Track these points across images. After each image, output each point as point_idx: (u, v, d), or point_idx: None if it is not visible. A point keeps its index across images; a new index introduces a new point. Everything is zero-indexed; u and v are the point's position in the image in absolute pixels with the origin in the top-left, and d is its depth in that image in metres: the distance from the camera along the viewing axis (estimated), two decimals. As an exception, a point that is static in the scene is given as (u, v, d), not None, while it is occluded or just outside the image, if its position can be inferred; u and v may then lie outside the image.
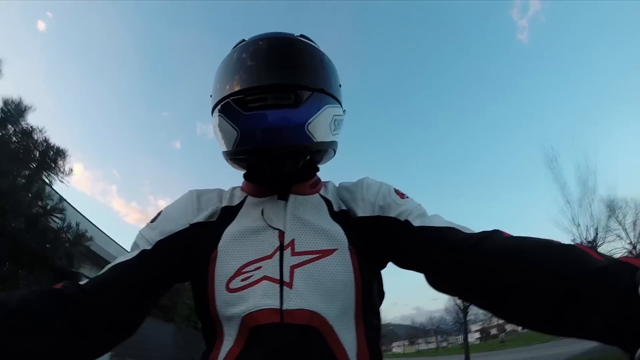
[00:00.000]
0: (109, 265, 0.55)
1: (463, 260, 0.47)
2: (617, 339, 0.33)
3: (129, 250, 0.60)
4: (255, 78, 0.56)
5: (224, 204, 0.64)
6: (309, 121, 0.54)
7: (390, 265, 0.63)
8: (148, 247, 0.58)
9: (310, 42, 0.63)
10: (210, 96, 0.63)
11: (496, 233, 0.48)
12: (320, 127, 0.56)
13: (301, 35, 0.64)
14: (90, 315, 0.47)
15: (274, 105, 0.54)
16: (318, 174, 0.69)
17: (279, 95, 0.55)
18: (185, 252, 0.59)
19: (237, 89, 0.56)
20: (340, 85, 0.64)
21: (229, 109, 0.56)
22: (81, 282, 0.51)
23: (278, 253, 0.54)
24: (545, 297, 0.39)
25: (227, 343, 0.51)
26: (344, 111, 0.64)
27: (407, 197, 0.62)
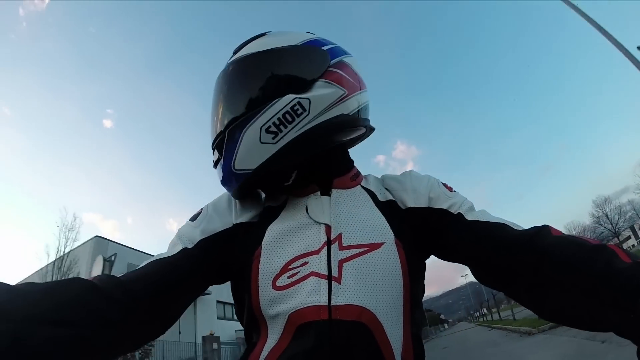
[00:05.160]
0: (149, 260, 0.54)
1: (515, 257, 0.48)
2: (632, 333, 0.37)
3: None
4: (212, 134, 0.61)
5: (266, 204, 0.63)
6: (234, 158, 0.56)
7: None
8: (190, 246, 0.56)
9: (258, 51, 0.58)
10: None
11: (544, 230, 0.49)
12: (246, 153, 0.54)
13: (263, 35, 0.61)
14: (120, 307, 0.45)
15: (216, 162, 0.60)
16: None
17: (220, 145, 0.58)
18: (227, 252, 0.58)
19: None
20: (296, 76, 0.56)
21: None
22: (119, 275, 0.49)
23: (325, 248, 0.52)
24: (577, 293, 0.42)
25: (271, 341, 0.50)
26: (296, 100, 0.54)
27: (455, 191, 0.62)
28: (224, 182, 0.58)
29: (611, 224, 33.68)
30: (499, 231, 0.52)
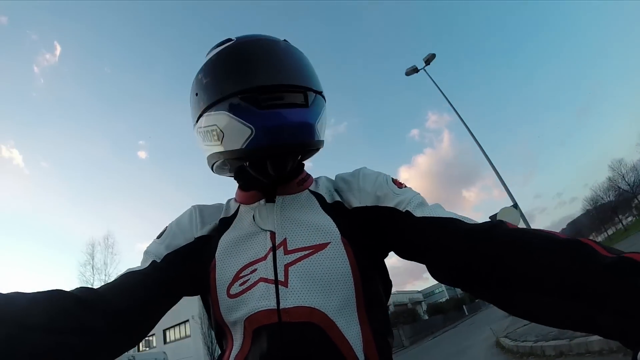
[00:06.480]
0: (122, 273, 0.57)
1: (470, 252, 0.47)
2: (620, 335, 0.34)
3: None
4: (269, 76, 0.55)
5: (221, 216, 0.66)
6: (317, 121, 0.57)
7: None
8: (158, 260, 0.60)
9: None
10: (197, 94, 0.59)
11: (501, 224, 0.47)
12: (322, 127, 0.59)
13: (285, 40, 0.64)
14: (101, 317, 0.47)
15: (288, 104, 0.54)
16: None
17: (292, 95, 0.55)
18: (191, 265, 0.61)
19: (248, 86, 0.54)
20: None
21: (238, 106, 0.53)
22: (95, 287, 0.52)
23: (271, 254, 0.55)
24: (552, 292, 0.39)
25: (236, 346, 0.54)
26: None
27: (406, 187, 0.62)
28: (289, 129, 0.53)
29: (628, 185, 34.95)
30: (450, 225, 0.51)
